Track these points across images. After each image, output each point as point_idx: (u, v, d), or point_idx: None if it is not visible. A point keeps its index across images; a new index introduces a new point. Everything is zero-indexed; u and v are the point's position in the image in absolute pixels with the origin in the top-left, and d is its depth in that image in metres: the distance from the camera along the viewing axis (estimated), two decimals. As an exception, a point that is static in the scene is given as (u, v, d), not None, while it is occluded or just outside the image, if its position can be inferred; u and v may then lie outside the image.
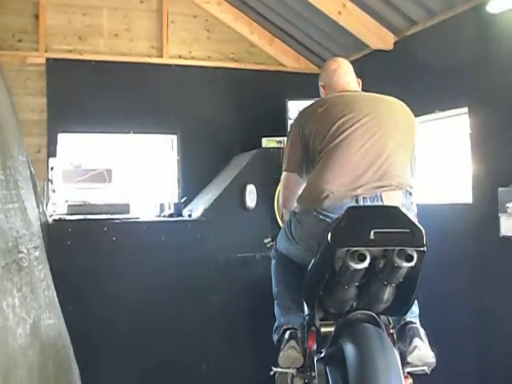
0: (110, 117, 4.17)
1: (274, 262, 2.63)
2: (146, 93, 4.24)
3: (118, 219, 3.53)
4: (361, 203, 2.15)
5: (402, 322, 2.21)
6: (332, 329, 2.11)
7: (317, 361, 2.15)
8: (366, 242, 1.87)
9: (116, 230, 3.45)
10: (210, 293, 3.57)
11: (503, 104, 2.86)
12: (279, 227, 3.12)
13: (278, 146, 3.94)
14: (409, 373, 2.14)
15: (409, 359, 2.09)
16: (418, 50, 3.46)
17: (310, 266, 2.14)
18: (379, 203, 2.15)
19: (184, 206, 3.94)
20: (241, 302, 3.60)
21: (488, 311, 2.94)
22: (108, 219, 3.52)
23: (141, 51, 4.36)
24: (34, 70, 4.06)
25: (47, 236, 3.13)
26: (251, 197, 3.71)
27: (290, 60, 4.73)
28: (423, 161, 2.86)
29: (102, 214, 3.60)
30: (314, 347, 2.25)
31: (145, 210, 4.00)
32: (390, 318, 2.21)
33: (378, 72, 3.79)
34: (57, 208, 3.75)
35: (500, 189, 2.81)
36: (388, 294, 1.99)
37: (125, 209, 3.69)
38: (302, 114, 2.41)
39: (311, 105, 2.40)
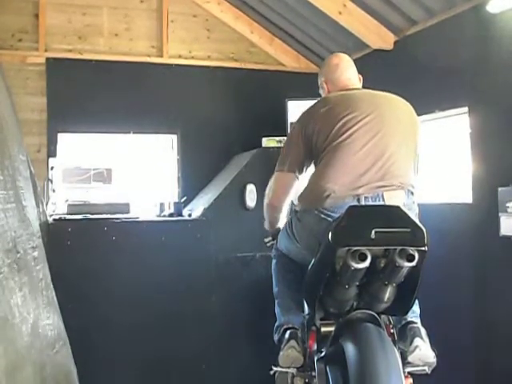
0: (109, 117, 4.16)
1: (274, 261, 2.63)
2: (145, 92, 4.23)
3: (117, 219, 3.53)
4: (362, 202, 2.15)
5: (403, 322, 2.21)
6: (332, 328, 2.11)
7: (317, 360, 2.15)
8: (367, 242, 1.87)
9: (116, 229, 3.45)
10: (209, 293, 3.57)
11: (503, 104, 2.86)
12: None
13: (278, 145, 3.94)
14: (409, 372, 2.14)
15: (409, 359, 2.09)
16: (418, 49, 3.46)
17: (310, 266, 2.14)
18: (381, 203, 2.15)
19: (184, 206, 3.93)
20: (241, 301, 3.59)
21: (488, 311, 2.94)
22: (108, 219, 3.51)
23: (141, 51, 4.36)
24: (34, 69, 4.06)
25: (47, 236, 3.13)
26: (251, 196, 3.70)
27: (290, 60, 4.73)
28: (423, 161, 2.86)
29: (101, 213, 3.59)
30: (315, 347, 2.25)
31: (145, 210, 3.99)
32: (390, 318, 2.21)
33: (378, 72, 3.78)
34: (57, 208, 3.74)
35: (500, 188, 2.81)
36: (389, 293, 1.98)
37: (125, 208, 3.68)
38: (305, 115, 2.40)
39: (313, 105, 2.39)
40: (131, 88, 4.20)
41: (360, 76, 2.53)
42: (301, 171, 2.38)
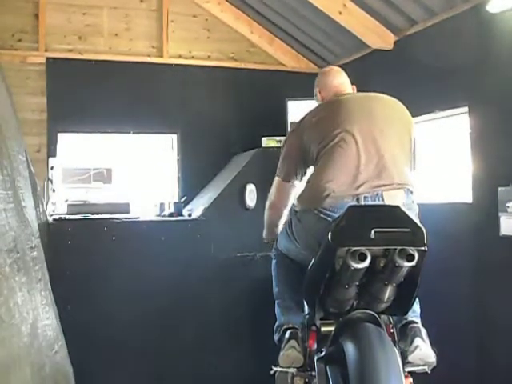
0: (110, 117, 4.16)
1: (274, 261, 2.63)
2: (145, 92, 4.23)
3: (118, 219, 3.53)
4: (362, 202, 2.16)
5: (404, 322, 2.21)
6: (332, 328, 2.12)
7: (317, 360, 2.16)
8: (367, 242, 1.87)
9: (116, 229, 3.45)
10: (209, 292, 3.57)
11: (503, 104, 2.86)
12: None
13: (278, 145, 3.94)
14: (409, 372, 2.14)
15: (410, 359, 2.09)
16: (418, 49, 3.46)
17: (310, 266, 2.14)
18: (380, 202, 2.16)
19: (184, 206, 3.93)
20: (241, 301, 3.59)
21: (488, 310, 2.94)
22: (108, 219, 3.51)
23: (141, 51, 4.36)
24: (34, 69, 4.06)
25: (47, 236, 3.13)
26: (251, 196, 3.70)
27: (290, 60, 4.73)
28: (423, 160, 2.86)
29: (102, 213, 3.59)
30: (315, 346, 2.26)
31: (145, 210, 3.99)
32: (390, 318, 2.21)
33: (378, 71, 3.80)
34: (57, 207, 3.74)
35: (500, 188, 2.81)
36: (389, 293, 1.99)
37: (125, 208, 3.68)
38: (301, 121, 2.45)
39: (309, 112, 2.44)
40: (131, 88, 4.20)
41: (354, 86, 2.56)
42: (298, 178, 2.43)
